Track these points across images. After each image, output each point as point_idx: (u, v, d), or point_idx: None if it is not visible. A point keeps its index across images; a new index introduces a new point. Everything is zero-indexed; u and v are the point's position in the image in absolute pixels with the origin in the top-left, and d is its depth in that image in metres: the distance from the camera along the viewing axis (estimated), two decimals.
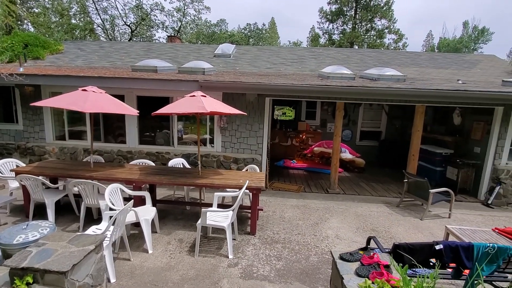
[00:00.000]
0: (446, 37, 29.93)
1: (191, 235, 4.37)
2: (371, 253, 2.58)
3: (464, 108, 7.39)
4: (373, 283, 2.16)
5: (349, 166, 9.03)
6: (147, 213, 4.01)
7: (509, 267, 2.93)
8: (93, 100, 4.25)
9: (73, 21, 21.33)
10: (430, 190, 5.37)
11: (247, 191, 4.46)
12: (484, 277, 2.91)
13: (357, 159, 9.01)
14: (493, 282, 3.16)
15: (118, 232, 3.43)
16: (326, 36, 27.43)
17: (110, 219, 3.33)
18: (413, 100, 6.15)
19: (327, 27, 26.92)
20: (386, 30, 25.17)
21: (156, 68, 7.26)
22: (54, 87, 6.74)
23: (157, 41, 25.04)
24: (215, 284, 3.26)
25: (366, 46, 25.18)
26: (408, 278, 2.09)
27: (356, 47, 24.03)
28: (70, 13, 20.82)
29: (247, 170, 5.66)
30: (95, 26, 22.64)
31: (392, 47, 25.59)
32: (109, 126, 7.07)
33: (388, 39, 25.96)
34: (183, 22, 24.99)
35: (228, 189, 4.74)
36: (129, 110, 4.61)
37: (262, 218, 5.16)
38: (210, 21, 31.59)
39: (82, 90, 4.51)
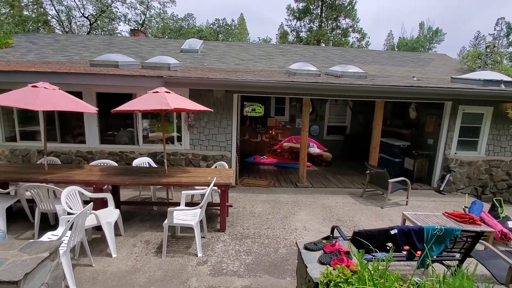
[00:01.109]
0: (405, 37, 31.94)
1: (159, 236, 4.25)
2: (333, 242, 2.71)
3: (418, 103, 7.97)
4: (334, 269, 2.27)
5: (317, 160, 9.33)
6: (109, 215, 3.83)
7: (456, 247, 3.23)
8: (45, 97, 3.95)
9: (25, 12, 19.46)
10: (389, 180, 5.74)
11: (216, 188, 4.43)
12: (435, 256, 3.19)
13: (324, 153, 9.34)
14: (443, 262, 3.46)
15: (77, 237, 3.24)
16: (294, 33, 27.93)
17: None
18: (373, 95, 6.50)
19: (295, 24, 27.41)
20: (350, 29, 26.22)
21: (118, 63, 6.90)
22: (2, 84, 6.10)
23: (119, 35, 23.74)
24: (184, 284, 3.22)
25: (331, 44, 26.05)
26: (366, 262, 2.22)
27: (323, 45, 24.76)
28: (22, 4, 18.97)
29: (216, 167, 5.62)
30: (49, 18, 20.88)
31: (356, 46, 26.74)
32: (66, 125, 6.59)
33: (352, 37, 27.10)
34: (147, 16, 23.94)
35: (196, 187, 4.68)
36: (87, 108, 4.34)
37: (232, 214, 5.17)
38: (177, 15, 30.58)
39: (32, 86, 4.16)
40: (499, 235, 4.47)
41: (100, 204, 4.17)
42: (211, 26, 34.32)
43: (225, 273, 3.46)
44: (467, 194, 6.16)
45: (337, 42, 25.93)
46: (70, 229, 3.02)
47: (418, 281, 2.13)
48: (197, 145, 6.56)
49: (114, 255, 3.70)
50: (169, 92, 4.18)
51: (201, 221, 4.11)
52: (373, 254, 2.99)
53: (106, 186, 4.70)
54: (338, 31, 26.43)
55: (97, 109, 4.75)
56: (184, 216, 3.94)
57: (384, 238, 2.87)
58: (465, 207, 5.19)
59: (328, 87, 6.11)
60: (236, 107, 6.57)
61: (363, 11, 50.98)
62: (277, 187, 6.99)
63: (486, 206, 5.42)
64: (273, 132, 10.16)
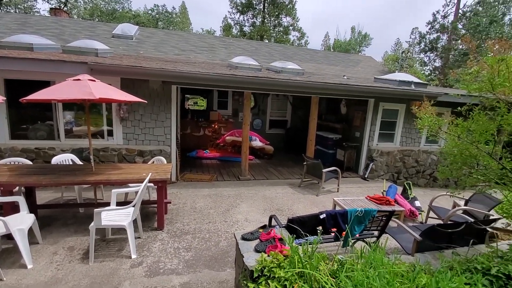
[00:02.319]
0: (339, 39, 34.77)
1: (85, 240, 3.84)
2: (269, 230, 2.82)
3: (348, 100, 8.79)
4: (268, 255, 2.37)
5: (260, 153, 9.58)
6: (21, 221, 3.30)
7: (374, 225, 3.69)
8: None
9: None
10: (323, 170, 6.23)
11: (152, 184, 4.19)
12: (357, 235, 3.60)
13: (266, 147, 9.63)
14: (365, 239, 3.92)
15: None
16: (238, 27, 27.90)
17: None
18: (309, 91, 6.92)
19: (238, 18, 27.37)
20: (291, 27, 27.35)
21: (32, 46, 5.95)
22: None
23: (37, 14, 20.40)
24: None
25: (274, 40, 26.83)
26: (297, 245, 2.38)
27: (266, 41, 25.32)
28: None
29: (153, 163, 5.31)
30: None
31: (296, 44, 28.06)
32: None
33: (293, 36, 28.35)
34: None
35: (130, 185, 4.36)
36: None
37: (172, 211, 4.98)
38: None
39: None
40: (408, 213, 5.26)
41: (10, 209, 3.57)
42: (150, 12, 32.04)
43: (162, 272, 3.32)
44: (385, 180, 7.08)
45: (279, 39, 26.80)
46: None
47: (341, 258, 2.37)
48: (132, 140, 6.09)
49: (29, 266, 3.22)
50: (94, 80, 3.75)
51: (135, 221, 3.85)
52: (306, 238, 3.23)
53: (17, 188, 4.06)
54: (280, 28, 27.32)
55: (4, 98, 4.01)
56: (115, 216, 3.64)
57: (314, 222, 3.11)
58: (384, 190, 5.96)
59: (268, 81, 6.28)
60: (175, 99, 6.29)
61: (304, 12, 53.74)
62: (220, 181, 6.97)
63: (400, 189, 6.32)
64: (216, 126, 10.05)
